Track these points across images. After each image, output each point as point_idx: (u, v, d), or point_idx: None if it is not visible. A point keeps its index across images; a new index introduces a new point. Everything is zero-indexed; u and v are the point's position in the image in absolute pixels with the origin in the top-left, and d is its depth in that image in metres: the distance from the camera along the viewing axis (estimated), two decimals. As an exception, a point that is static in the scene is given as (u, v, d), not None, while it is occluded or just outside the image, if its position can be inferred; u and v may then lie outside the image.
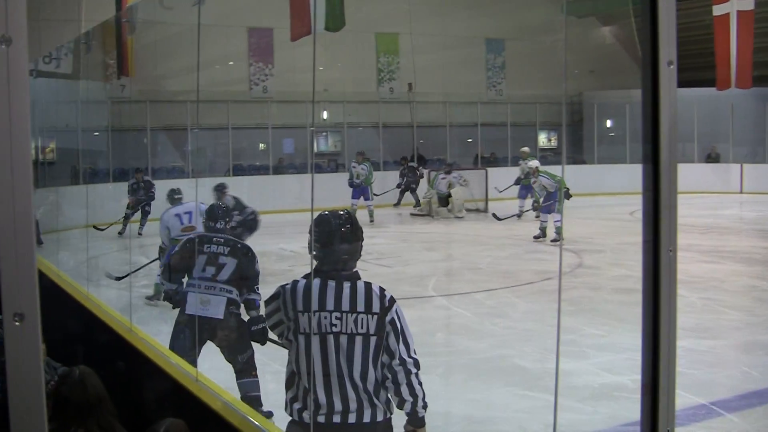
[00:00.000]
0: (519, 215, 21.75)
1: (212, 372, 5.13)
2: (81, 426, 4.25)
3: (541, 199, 17.85)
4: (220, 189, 12.96)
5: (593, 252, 16.04)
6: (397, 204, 25.78)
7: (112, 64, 19.67)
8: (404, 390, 4.16)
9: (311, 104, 26.03)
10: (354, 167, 22.31)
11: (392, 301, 4.25)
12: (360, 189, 21.91)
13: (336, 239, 4.31)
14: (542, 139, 32.34)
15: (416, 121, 29.54)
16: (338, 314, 4.18)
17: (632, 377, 7.89)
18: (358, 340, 4.16)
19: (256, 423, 4.22)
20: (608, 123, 32.44)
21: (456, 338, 10.00)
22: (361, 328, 4.16)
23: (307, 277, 4.33)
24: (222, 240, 7.18)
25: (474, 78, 31.26)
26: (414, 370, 4.18)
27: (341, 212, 4.52)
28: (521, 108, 31.02)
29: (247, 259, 7.11)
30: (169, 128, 25.62)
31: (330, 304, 4.21)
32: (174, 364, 5.34)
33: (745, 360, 9.26)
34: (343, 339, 4.17)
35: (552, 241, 17.22)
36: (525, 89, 30.14)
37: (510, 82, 31.91)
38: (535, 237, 17.68)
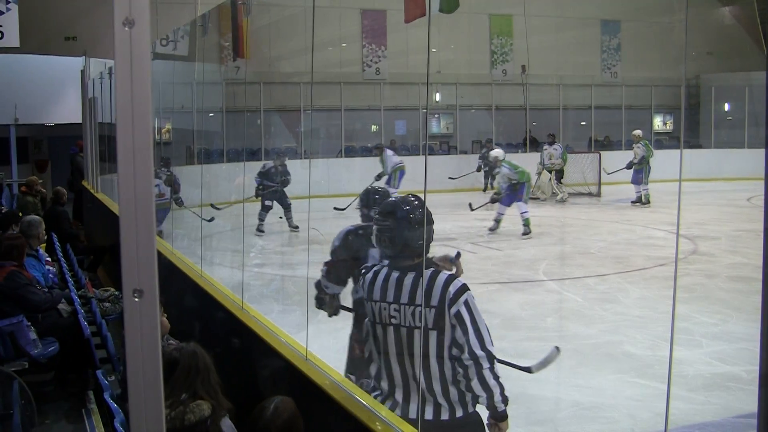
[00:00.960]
0: (636, 201, 21.43)
1: (321, 351, 5.18)
2: (188, 390, 4.37)
3: (503, 190, 16.84)
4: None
5: (709, 238, 15.70)
6: (485, 189, 25.12)
7: (227, 46, 19.90)
8: (476, 385, 3.98)
9: (424, 86, 26.01)
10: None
11: (459, 292, 4.00)
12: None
13: (401, 226, 4.17)
14: (657, 122, 31.76)
15: (529, 103, 29.31)
16: (396, 306, 4.09)
17: (747, 368, 7.72)
18: (417, 333, 4.04)
19: (363, 402, 4.24)
20: (726, 106, 31.66)
21: (566, 323, 9.91)
22: (419, 321, 4.02)
23: (379, 265, 4.29)
24: None
25: (588, 60, 30.87)
26: (486, 365, 3.96)
27: (410, 197, 4.35)
28: (636, 91, 30.50)
29: None
30: (282, 109, 25.92)
31: (390, 296, 4.12)
32: (284, 342, 5.40)
33: None
34: (403, 332, 4.09)
35: (523, 234, 16.25)
36: (640, 71, 29.62)
37: (625, 64, 31.42)
38: (490, 229, 16.80)
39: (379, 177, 20.15)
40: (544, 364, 5.15)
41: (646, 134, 28.82)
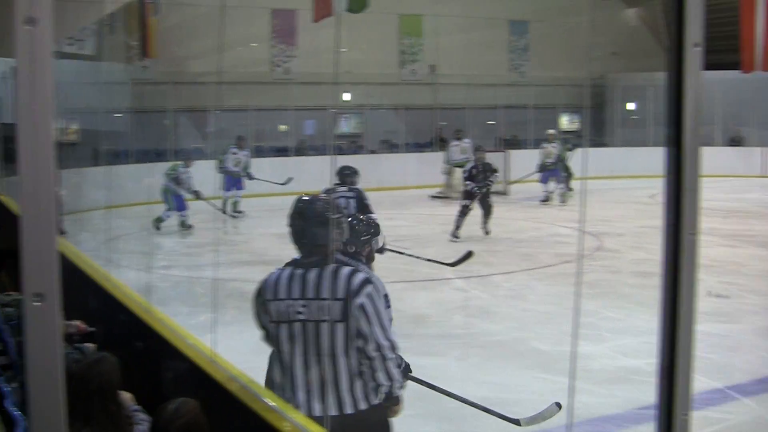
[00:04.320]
0: (545, 200, 21.68)
1: (228, 352, 5.17)
2: (85, 419, 4.04)
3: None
4: None
5: (613, 235, 16.02)
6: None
7: (135, 46, 19.66)
8: (380, 376, 4.14)
9: (333, 86, 26.03)
10: (235, 153, 20.57)
11: (363, 284, 4.14)
12: (237, 179, 20.23)
13: (308, 224, 4.26)
14: (564, 121, 32.23)
15: (438, 103, 29.51)
16: (304, 301, 4.16)
17: (649, 361, 7.91)
18: (324, 327, 4.12)
19: (272, 404, 4.23)
20: (631, 106, 32.29)
21: (473, 320, 10.03)
22: (326, 314, 4.12)
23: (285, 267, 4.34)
24: None
25: (497, 60, 31.16)
26: (390, 356, 4.13)
27: (318, 196, 4.53)
28: (544, 90, 30.86)
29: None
30: (191, 110, 25.65)
31: (297, 292, 4.19)
32: (190, 344, 5.37)
33: (763, 345, 9.31)
34: (310, 326, 4.14)
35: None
36: (548, 71, 30.00)
37: (533, 64, 31.81)
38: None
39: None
40: (537, 419, 5.21)
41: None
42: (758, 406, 7.46)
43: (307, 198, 4.42)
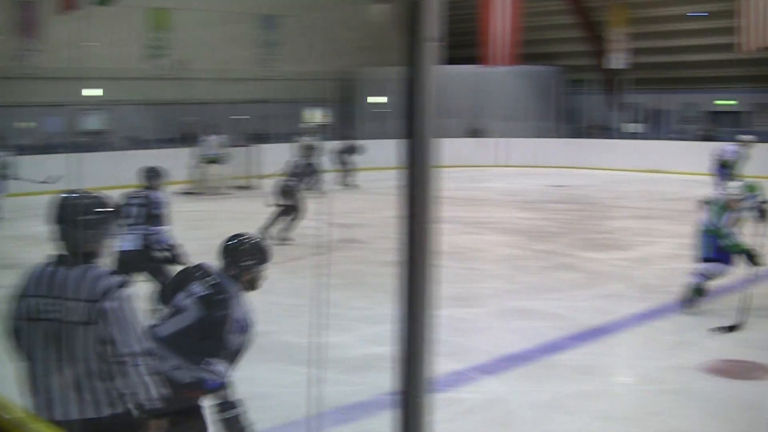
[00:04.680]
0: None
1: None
2: None
3: None
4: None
5: (362, 226, 16.33)
6: None
7: None
8: (128, 382, 4.00)
9: (79, 81, 25.20)
10: None
11: (113, 288, 4.00)
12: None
13: (69, 223, 4.11)
14: (313, 115, 32.56)
15: (186, 98, 29.15)
16: (54, 300, 4.01)
17: (394, 348, 8.12)
18: (74, 328, 3.98)
19: (9, 416, 4.01)
20: (377, 99, 32.98)
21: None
22: (75, 315, 3.98)
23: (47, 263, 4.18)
24: None
25: (247, 54, 31.10)
26: (137, 362, 3.99)
27: (86, 194, 4.30)
28: (293, 84, 31.09)
29: None
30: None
31: (46, 290, 4.05)
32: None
33: (502, 326, 9.79)
34: (58, 326, 4.00)
35: None
36: (298, 65, 30.20)
37: (283, 58, 31.91)
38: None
39: None
40: None
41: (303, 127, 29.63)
42: (499, 383, 7.87)
43: (70, 196, 4.25)
